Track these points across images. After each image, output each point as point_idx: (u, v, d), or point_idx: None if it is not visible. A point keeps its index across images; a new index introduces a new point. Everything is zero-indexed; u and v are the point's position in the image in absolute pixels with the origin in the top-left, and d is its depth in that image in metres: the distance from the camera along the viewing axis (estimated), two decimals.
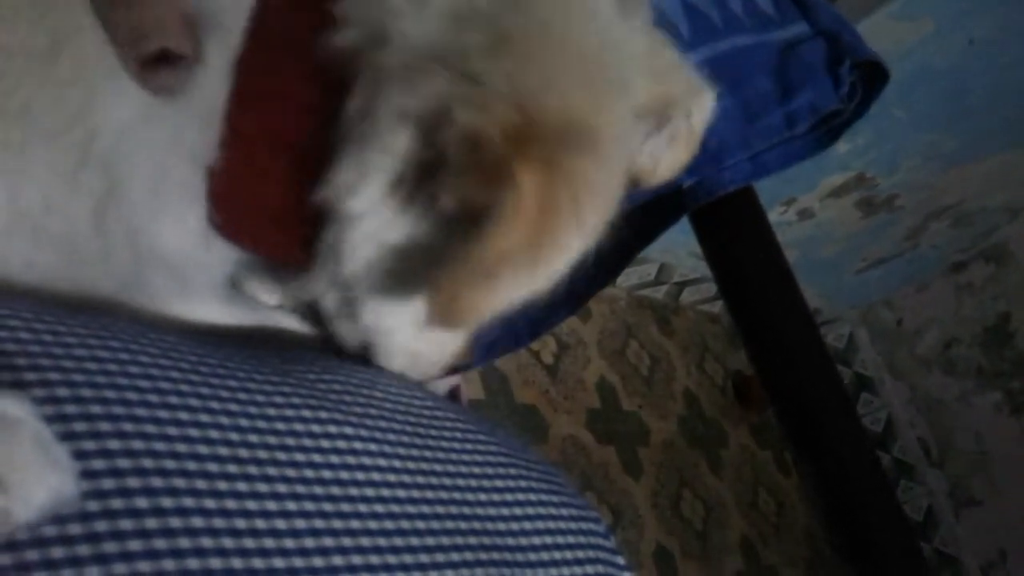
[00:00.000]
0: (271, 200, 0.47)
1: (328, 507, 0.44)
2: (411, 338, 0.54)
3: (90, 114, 0.44)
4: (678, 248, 2.16)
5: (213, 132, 0.46)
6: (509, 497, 0.53)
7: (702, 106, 0.54)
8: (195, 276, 0.51)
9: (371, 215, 0.46)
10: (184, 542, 0.38)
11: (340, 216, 0.47)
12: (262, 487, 0.42)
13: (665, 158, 0.54)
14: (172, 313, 0.51)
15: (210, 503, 0.40)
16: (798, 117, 0.70)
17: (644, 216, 0.71)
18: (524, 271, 0.44)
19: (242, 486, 0.41)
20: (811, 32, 0.71)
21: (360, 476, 0.46)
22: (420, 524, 0.47)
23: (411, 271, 0.48)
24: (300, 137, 0.46)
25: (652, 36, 0.52)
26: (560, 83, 0.44)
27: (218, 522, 0.39)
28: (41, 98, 0.44)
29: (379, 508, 0.46)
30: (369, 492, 0.46)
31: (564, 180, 0.43)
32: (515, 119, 0.42)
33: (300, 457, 0.44)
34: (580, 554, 0.54)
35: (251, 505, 0.41)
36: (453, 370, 0.62)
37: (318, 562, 0.42)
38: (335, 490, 0.45)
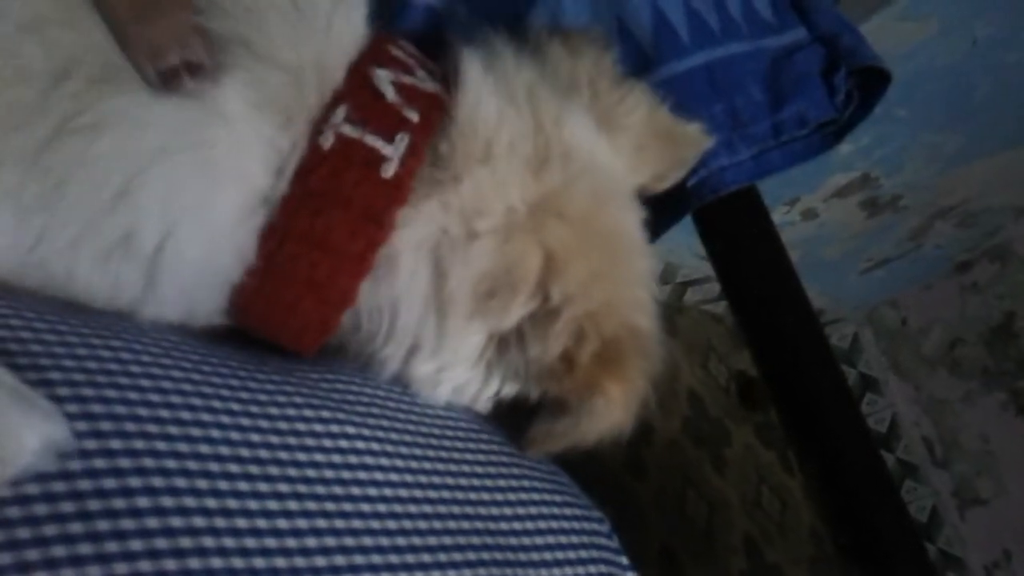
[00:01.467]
0: (296, 327, 0.50)
1: (330, 507, 0.44)
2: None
3: (131, 207, 0.44)
4: (682, 248, 2.15)
5: (245, 257, 0.48)
6: (512, 497, 0.53)
7: None
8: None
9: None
10: (186, 541, 0.38)
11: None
12: (263, 487, 0.42)
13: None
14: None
15: (211, 502, 0.40)
16: (785, 127, 0.70)
17: (648, 214, 0.71)
18: None
19: (243, 485, 0.41)
20: (809, 38, 0.71)
21: (362, 476, 0.46)
22: (422, 524, 0.47)
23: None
24: (343, 288, 0.49)
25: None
26: (619, 297, 0.54)
27: (219, 521, 0.39)
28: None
29: (381, 508, 0.46)
30: (371, 492, 0.46)
31: (635, 383, 0.54)
32: (596, 346, 0.51)
33: (302, 457, 0.44)
34: (583, 554, 0.54)
35: (252, 504, 0.41)
36: None
37: (320, 562, 0.42)
38: (337, 490, 0.45)
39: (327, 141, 0.47)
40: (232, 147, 0.45)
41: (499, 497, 0.52)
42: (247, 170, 0.46)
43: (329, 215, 0.47)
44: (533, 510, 0.53)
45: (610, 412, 0.53)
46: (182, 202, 0.45)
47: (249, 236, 0.47)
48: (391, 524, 0.45)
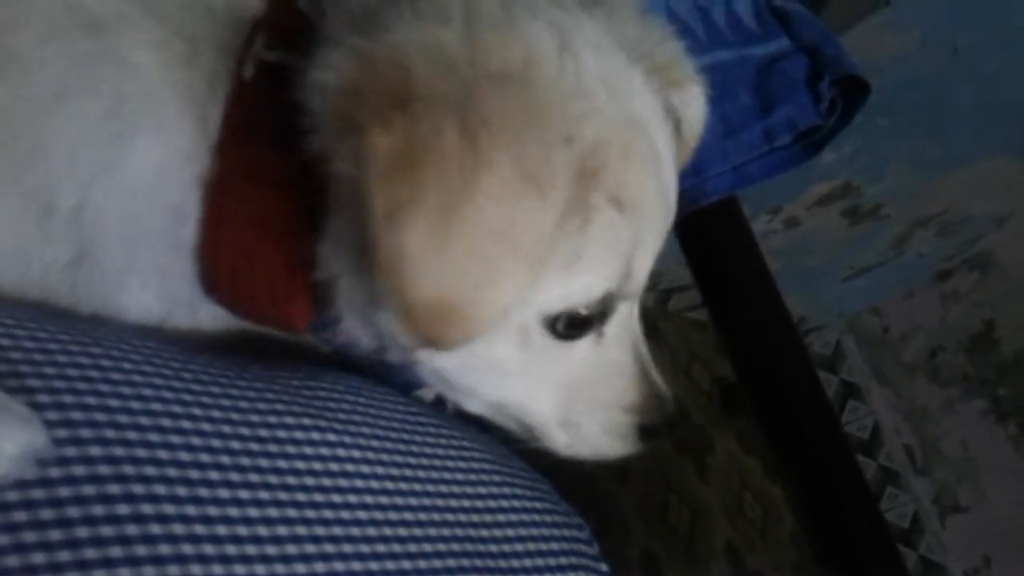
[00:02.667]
0: (265, 280, 0.49)
1: (311, 514, 0.44)
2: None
3: (42, 163, 0.44)
4: (665, 255, 2.16)
5: (191, 216, 0.47)
6: (493, 504, 0.53)
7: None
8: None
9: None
10: (165, 548, 0.38)
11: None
12: (243, 493, 0.42)
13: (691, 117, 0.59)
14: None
15: (191, 510, 0.40)
16: (776, 132, 0.71)
17: None
18: (450, 243, 0.42)
19: (223, 492, 0.41)
20: (792, 47, 0.72)
21: (343, 483, 0.46)
22: (402, 531, 0.47)
23: None
24: (284, 216, 0.47)
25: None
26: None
27: (199, 528, 0.39)
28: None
29: (362, 515, 0.46)
30: (352, 499, 0.46)
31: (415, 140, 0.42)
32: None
33: (282, 464, 0.44)
34: (563, 560, 0.54)
35: (232, 511, 0.41)
36: None
37: (300, 568, 0.42)
38: (318, 497, 0.45)
39: (248, 71, 0.46)
40: (140, 98, 0.45)
41: (480, 504, 0.52)
42: (162, 122, 0.45)
43: (261, 147, 0.46)
44: (514, 517, 0.53)
45: (373, 168, 0.41)
46: (92, 157, 0.44)
47: (186, 190, 0.46)
48: (371, 531, 0.46)
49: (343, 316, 0.51)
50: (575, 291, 0.50)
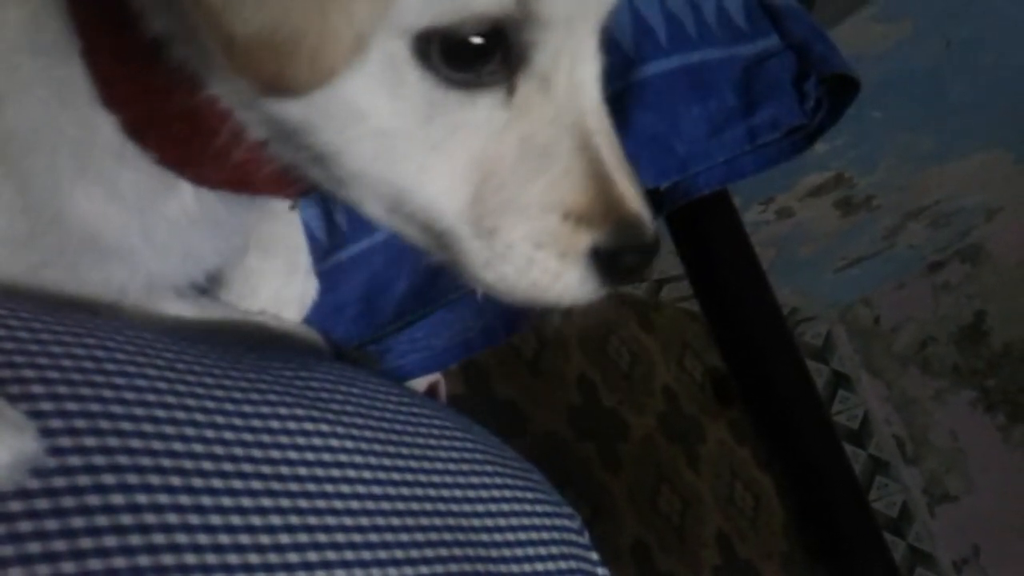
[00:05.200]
0: (153, 108, 0.42)
1: (303, 504, 0.44)
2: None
3: None
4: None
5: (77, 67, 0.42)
6: (484, 494, 0.53)
7: None
8: (152, 269, 0.49)
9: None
10: (158, 538, 0.38)
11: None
12: (237, 484, 0.42)
13: None
14: (145, 310, 0.51)
15: (185, 500, 0.40)
16: (760, 132, 0.71)
17: None
18: None
19: (217, 483, 0.42)
20: (781, 45, 0.73)
21: (335, 473, 0.47)
22: (395, 520, 0.47)
23: None
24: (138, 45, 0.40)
25: None
26: None
27: (192, 518, 0.40)
28: None
29: (354, 504, 0.46)
30: (344, 489, 0.46)
31: None
32: None
33: (275, 454, 0.45)
34: (554, 550, 0.55)
35: (226, 502, 0.41)
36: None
37: (292, 558, 0.42)
38: (310, 487, 0.45)
39: None
40: None
41: (471, 494, 0.52)
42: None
43: None
44: (505, 507, 0.54)
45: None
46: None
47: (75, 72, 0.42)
48: (363, 521, 0.46)
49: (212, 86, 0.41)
50: None
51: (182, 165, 0.45)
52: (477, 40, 0.39)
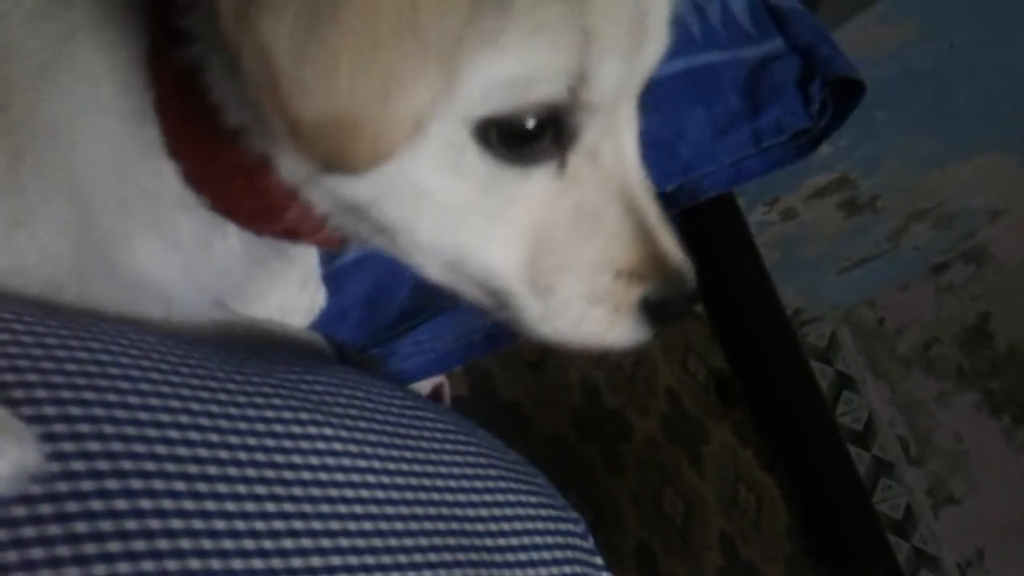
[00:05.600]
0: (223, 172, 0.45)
1: (307, 508, 0.44)
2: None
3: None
4: None
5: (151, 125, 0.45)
6: (488, 498, 0.53)
7: None
8: (182, 303, 0.51)
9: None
10: (163, 543, 0.38)
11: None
12: (242, 488, 0.42)
13: None
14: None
15: (190, 504, 0.40)
16: (765, 134, 0.71)
17: None
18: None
19: (222, 487, 0.41)
20: (786, 48, 0.72)
21: (339, 477, 0.47)
22: (399, 524, 0.47)
23: None
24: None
25: None
26: None
27: (197, 523, 0.40)
28: None
29: (358, 509, 0.46)
30: (348, 493, 0.46)
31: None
32: None
33: (280, 458, 0.45)
34: (558, 554, 0.55)
35: (231, 506, 0.41)
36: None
37: (297, 563, 0.42)
38: (315, 491, 0.45)
39: None
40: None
41: (475, 498, 0.52)
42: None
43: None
44: (509, 511, 0.54)
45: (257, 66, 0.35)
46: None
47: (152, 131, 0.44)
48: (367, 525, 0.46)
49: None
50: (500, 82, 0.40)
51: (235, 214, 0.48)
52: (532, 123, 0.43)
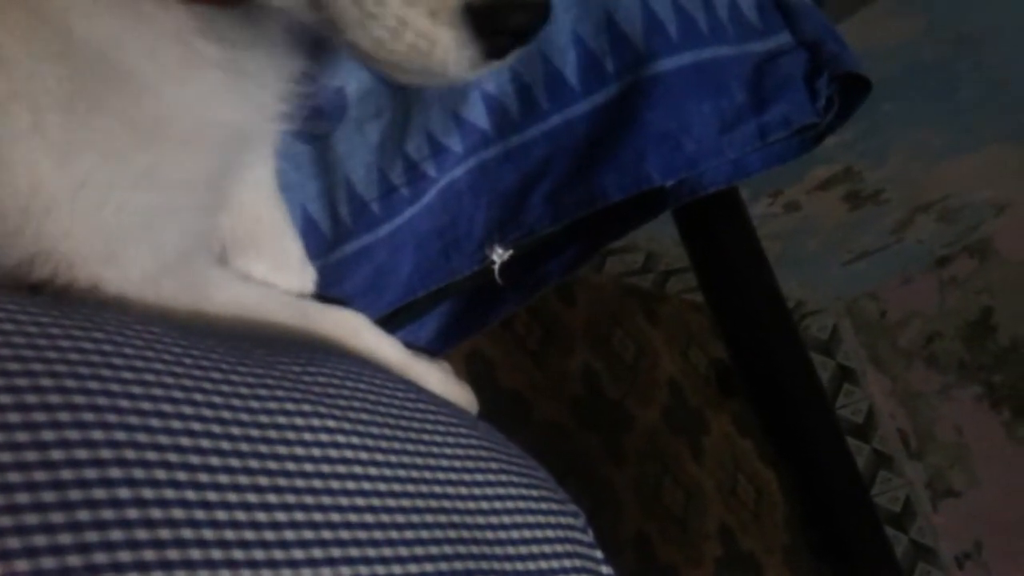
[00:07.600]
0: None
1: (309, 500, 0.44)
2: None
3: None
4: (664, 237, 2.16)
5: None
6: (489, 491, 0.53)
7: None
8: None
9: None
10: (164, 533, 0.39)
11: None
12: (243, 479, 0.42)
13: None
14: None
15: (191, 494, 0.40)
16: (771, 129, 0.70)
17: (621, 213, 0.72)
18: None
19: (223, 478, 0.42)
20: (793, 43, 0.72)
21: (341, 469, 0.47)
22: (399, 517, 0.48)
23: None
24: None
25: None
26: None
27: (199, 513, 0.40)
28: None
29: (359, 501, 0.46)
30: (349, 485, 0.47)
31: None
32: None
33: (282, 449, 0.45)
34: (558, 547, 0.55)
35: (232, 497, 0.41)
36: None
37: (298, 554, 0.42)
38: (316, 483, 0.45)
39: None
40: None
41: (476, 491, 0.53)
42: None
43: None
44: (509, 504, 0.54)
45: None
46: None
47: None
48: (368, 517, 0.46)
49: None
50: None
51: None
52: None
